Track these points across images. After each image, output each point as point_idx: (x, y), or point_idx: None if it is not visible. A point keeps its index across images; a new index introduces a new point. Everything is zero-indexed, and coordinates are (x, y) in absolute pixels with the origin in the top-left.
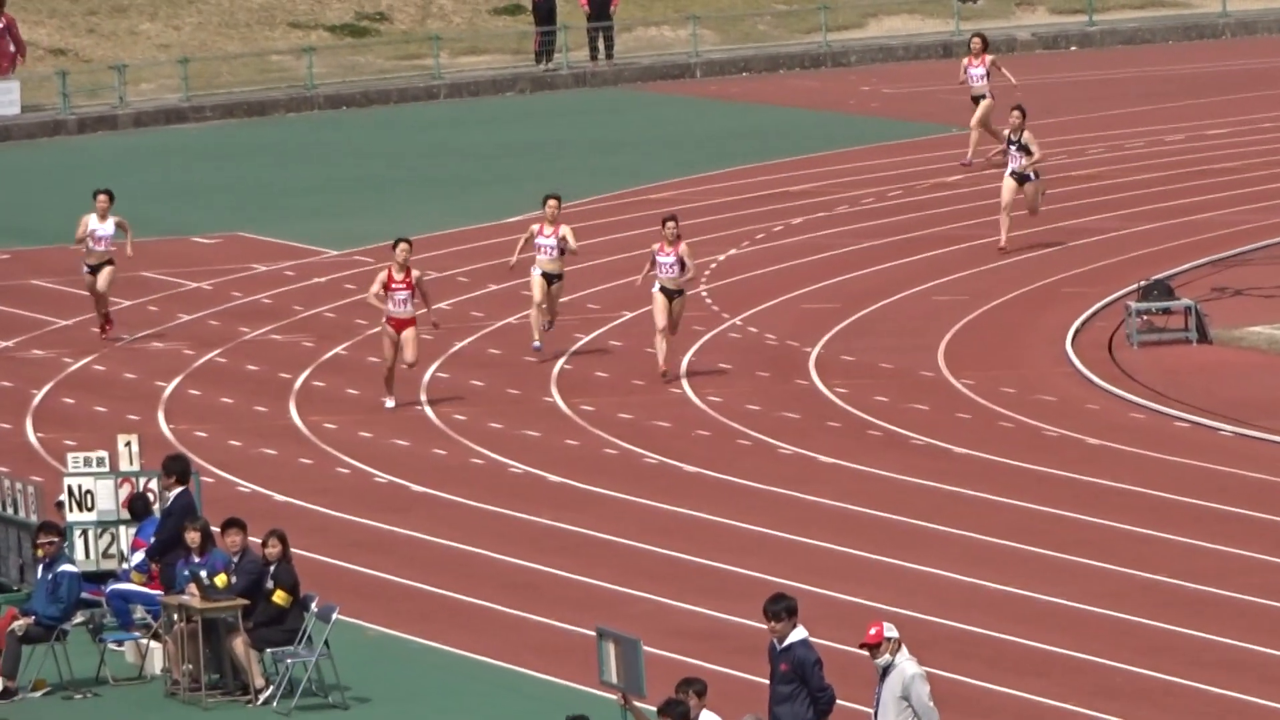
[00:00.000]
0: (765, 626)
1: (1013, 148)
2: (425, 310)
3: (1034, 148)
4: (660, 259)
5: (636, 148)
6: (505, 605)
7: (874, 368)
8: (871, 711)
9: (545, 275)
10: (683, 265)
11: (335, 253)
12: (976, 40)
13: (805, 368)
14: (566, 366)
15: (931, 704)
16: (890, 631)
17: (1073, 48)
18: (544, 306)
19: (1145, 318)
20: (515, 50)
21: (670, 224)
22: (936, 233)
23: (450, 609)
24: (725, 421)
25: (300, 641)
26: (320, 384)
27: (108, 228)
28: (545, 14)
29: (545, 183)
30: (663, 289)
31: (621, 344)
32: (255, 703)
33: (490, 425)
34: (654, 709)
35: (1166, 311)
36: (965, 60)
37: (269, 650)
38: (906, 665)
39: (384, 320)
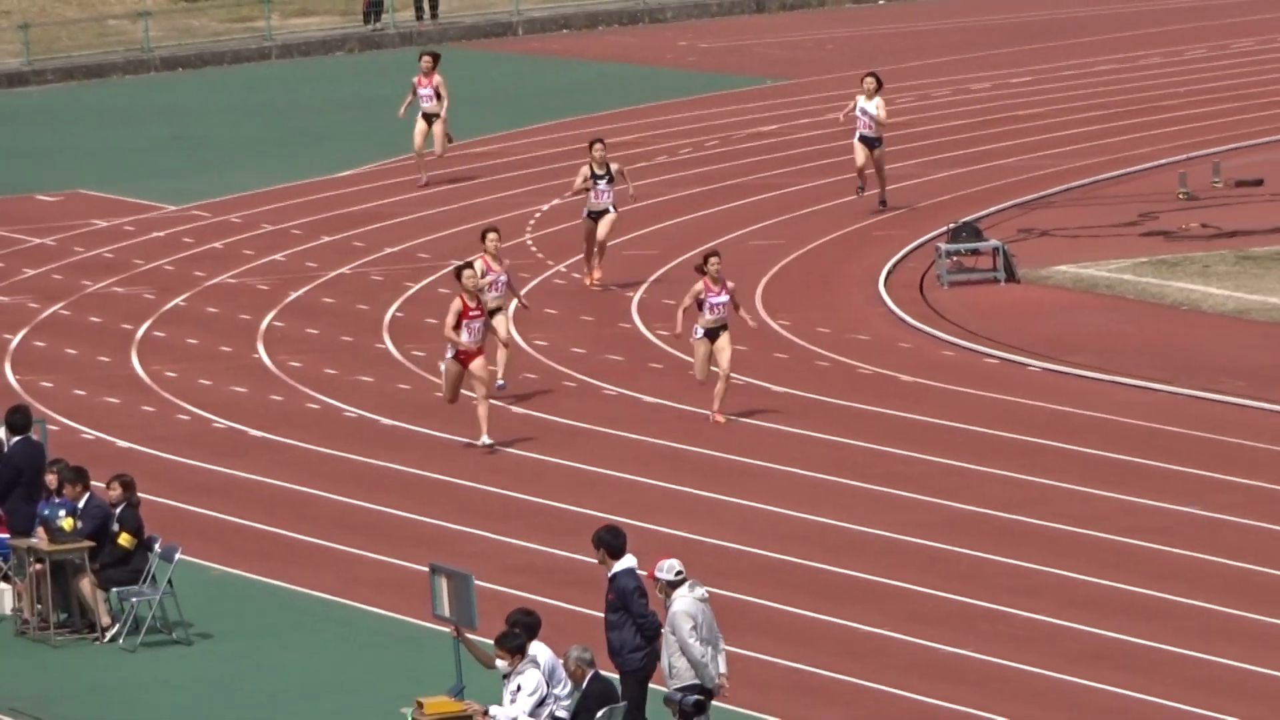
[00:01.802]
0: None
1: (602, 182)
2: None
3: (883, 114)
4: (711, 300)
5: (462, 103)
6: (341, 544)
7: (693, 310)
8: None
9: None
10: (733, 300)
11: (173, 208)
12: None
13: (628, 312)
14: (398, 314)
15: (692, 640)
16: (660, 574)
17: (881, 1)
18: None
19: (955, 259)
20: (344, 11)
21: (714, 260)
22: (751, 181)
23: (288, 547)
24: (551, 364)
25: (145, 581)
26: (160, 334)
27: None
28: None
29: (375, 138)
30: (708, 332)
31: (449, 291)
32: (102, 640)
33: (325, 371)
34: (489, 640)
35: (975, 252)
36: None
37: (115, 590)
38: (675, 603)
39: (451, 354)
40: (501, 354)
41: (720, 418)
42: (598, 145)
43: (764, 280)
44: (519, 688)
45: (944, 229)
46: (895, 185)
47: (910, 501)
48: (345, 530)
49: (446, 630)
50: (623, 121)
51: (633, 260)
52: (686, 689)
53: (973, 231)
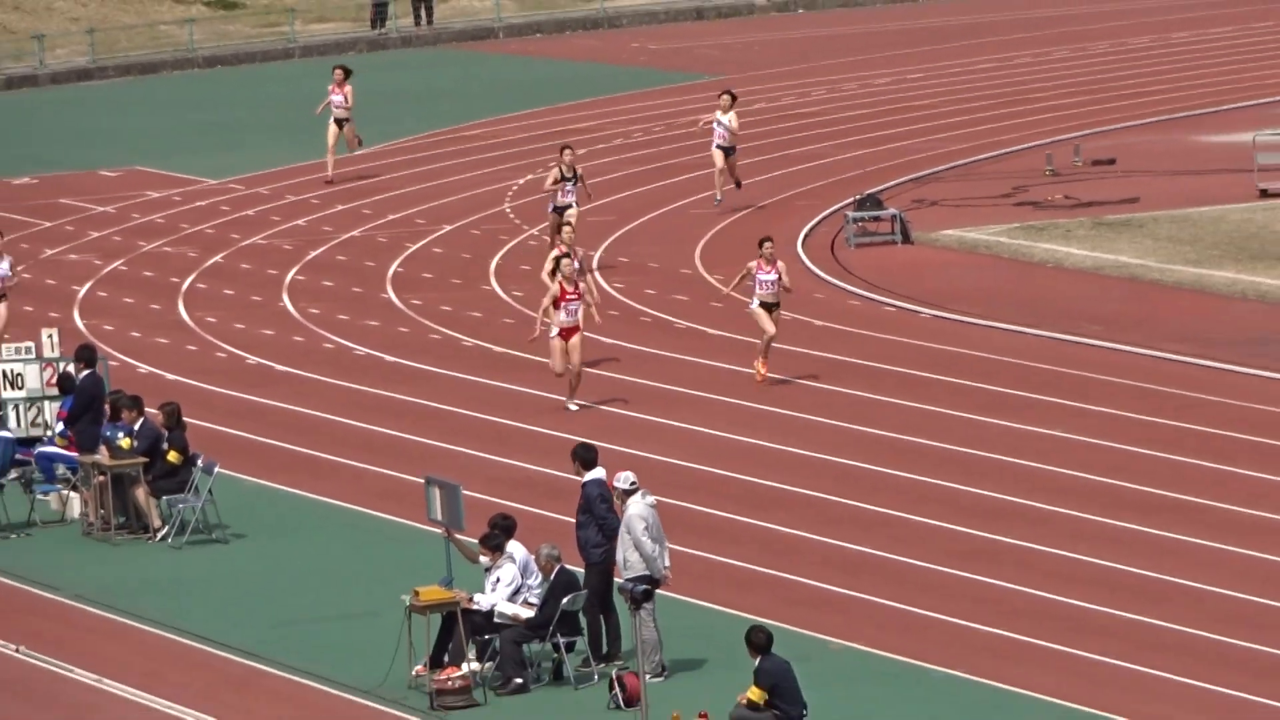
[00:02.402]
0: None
1: (569, 184)
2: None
3: (736, 125)
4: (761, 277)
5: (452, 95)
6: (352, 460)
7: (644, 267)
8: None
9: (763, 305)
10: (781, 280)
11: (213, 181)
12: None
13: (590, 267)
14: (399, 269)
15: (644, 538)
16: (618, 484)
17: (800, 10)
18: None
19: (860, 224)
20: (354, 18)
21: (768, 244)
22: (691, 160)
23: (308, 463)
24: (527, 311)
25: (189, 490)
26: (202, 286)
27: (4, 267)
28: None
29: (383, 124)
30: (763, 304)
31: (442, 251)
32: (154, 539)
33: (338, 317)
34: (474, 540)
35: (877, 219)
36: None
37: (165, 498)
38: (629, 507)
39: (555, 333)
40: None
41: (763, 373)
42: (567, 150)
43: (702, 242)
44: (498, 579)
45: (851, 200)
46: (811, 164)
47: (824, 426)
48: (355, 449)
49: (438, 531)
50: (586, 110)
51: (596, 226)
52: (637, 579)
53: (875, 202)
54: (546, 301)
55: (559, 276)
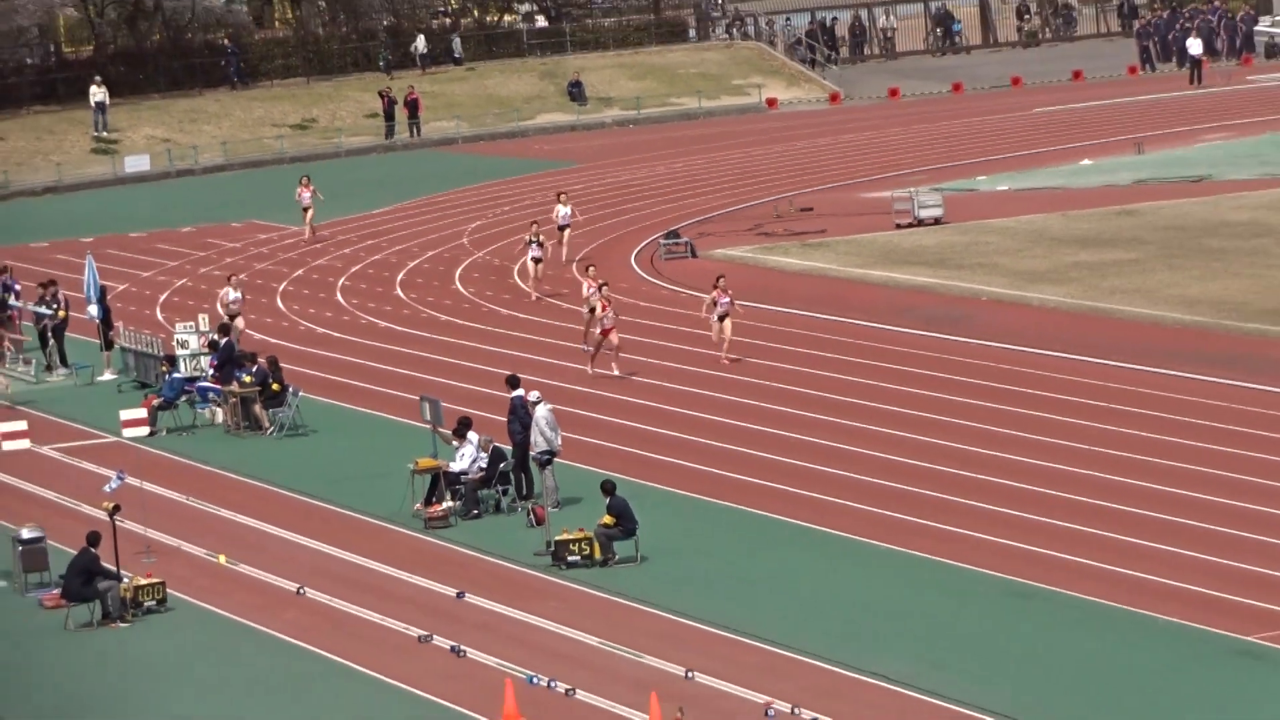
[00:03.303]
0: None
1: (534, 245)
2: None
3: (570, 210)
4: (721, 300)
5: (429, 178)
6: (379, 386)
7: (560, 276)
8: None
9: (591, 310)
10: (732, 303)
11: (296, 227)
12: (563, 195)
13: (514, 277)
14: (404, 278)
15: (546, 428)
16: (530, 397)
17: (631, 125)
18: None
19: (666, 246)
20: (375, 132)
21: (722, 279)
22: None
23: (352, 390)
24: (482, 304)
25: (285, 405)
26: (291, 289)
27: (237, 294)
28: (389, 115)
29: (393, 193)
30: (719, 317)
31: (428, 266)
32: (265, 434)
33: (369, 305)
34: (448, 431)
35: (676, 244)
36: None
37: (271, 410)
38: (537, 410)
39: (599, 330)
40: (720, 336)
41: (727, 359)
42: (535, 225)
43: (577, 258)
44: (463, 454)
45: (662, 233)
46: (637, 213)
47: (647, 366)
48: (382, 380)
49: (427, 427)
50: (509, 184)
51: (489, 265)
52: (543, 452)
53: (675, 234)
54: (585, 311)
55: (601, 294)
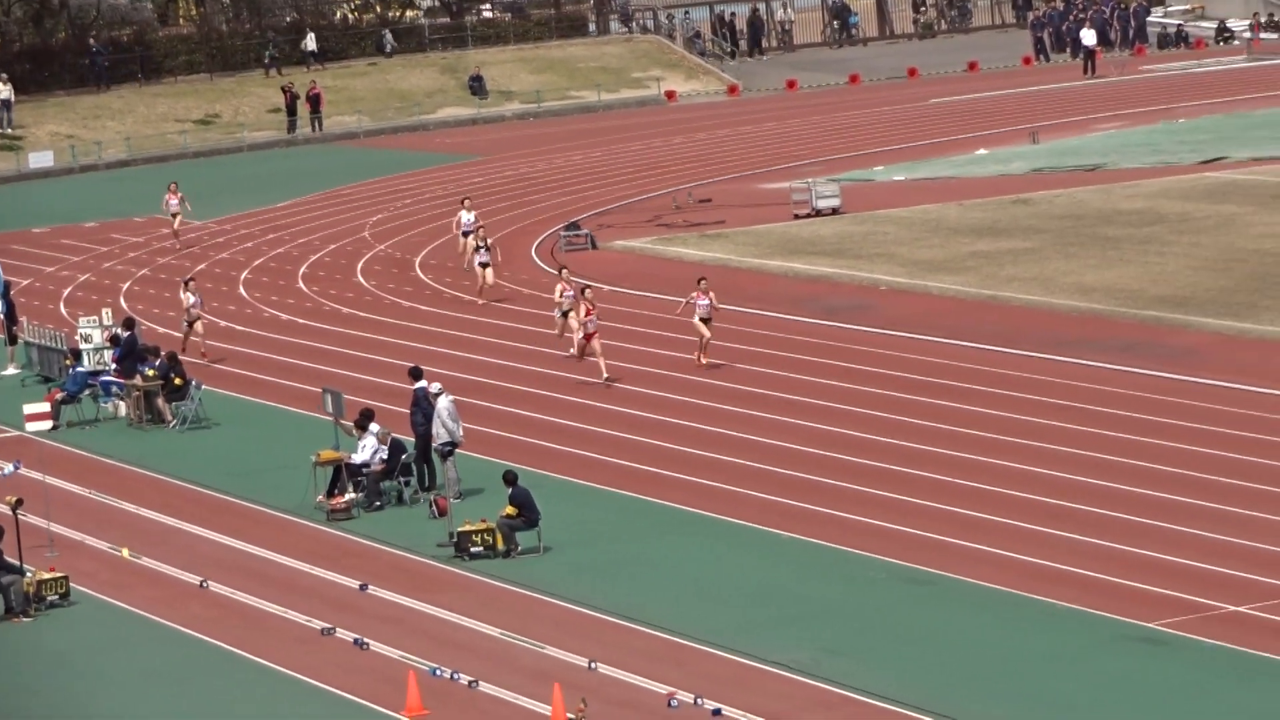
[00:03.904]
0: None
1: (483, 249)
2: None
3: (473, 217)
4: (700, 302)
5: (332, 172)
6: (279, 379)
7: (460, 269)
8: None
9: (564, 314)
10: (712, 304)
11: (198, 222)
12: (467, 201)
13: (415, 270)
14: (305, 270)
15: (448, 420)
16: (431, 389)
17: (532, 119)
18: (569, 334)
19: (567, 238)
20: (278, 127)
21: (703, 281)
22: (477, 202)
23: (254, 382)
24: (384, 295)
25: (187, 399)
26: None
27: (196, 298)
28: (291, 110)
29: (295, 187)
30: (701, 319)
31: (330, 259)
32: (169, 428)
33: (271, 298)
34: (350, 423)
35: (576, 235)
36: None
37: (173, 403)
38: (439, 401)
39: (582, 335)
40: (572, 333)
41: (703, 361)
42: (482, 229)
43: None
44: (364, 445)
45: (562, 225)
46: (538, 205)
47: (540, 355)
48: (284, 373)
49: (329, 419)
50: (410, 177)
51: (414, 242)
52: (445, 444)
53: (575, 225)
54: (558, 315)
55: (584, 296)
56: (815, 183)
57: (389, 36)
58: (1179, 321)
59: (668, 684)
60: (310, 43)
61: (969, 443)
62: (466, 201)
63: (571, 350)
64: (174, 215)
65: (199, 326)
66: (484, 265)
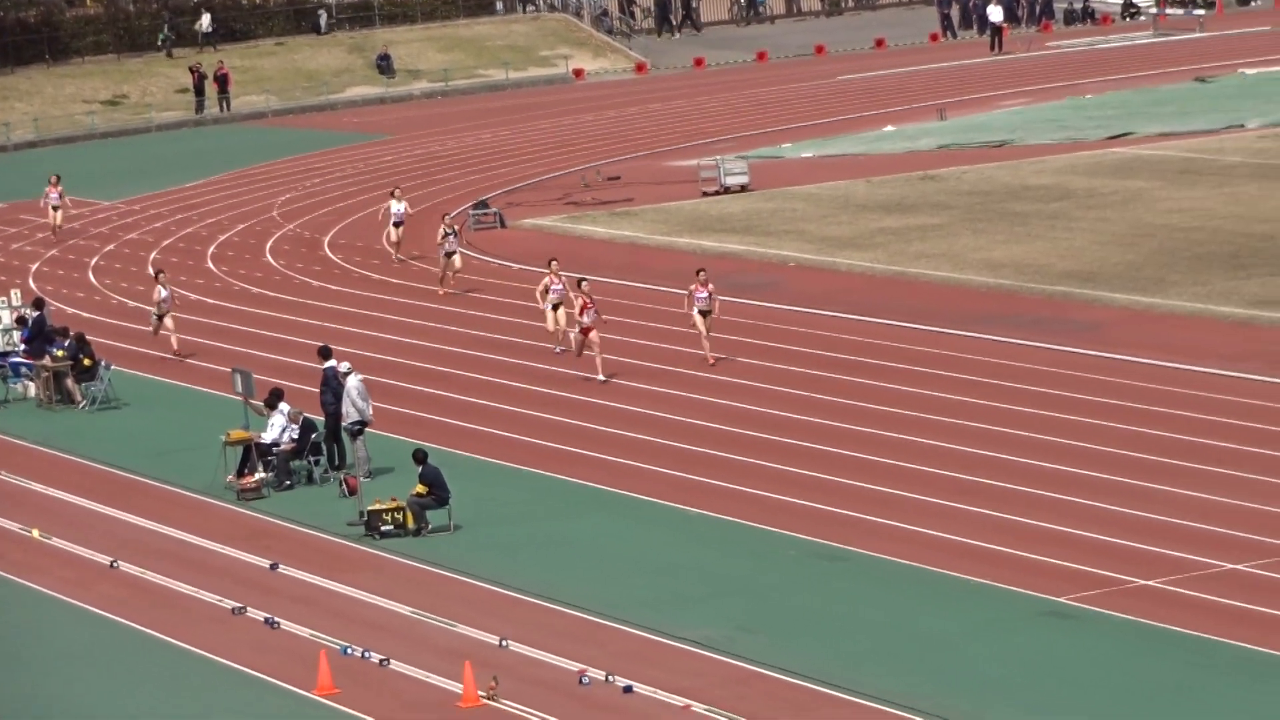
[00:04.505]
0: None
1: (451, 236)
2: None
3: (406, 208)
4: (698, 295)
5: (240, 152)
6: (194, 359)
7: (353, 245)
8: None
9: (554, 307)
10: (711, 297)
11: (106, 203)
12: (398, 190)
13: (324, 249)
14: (215, 251)
15: (358, 399)
16: (340, 368)
17: (439, 97)
18: (558, 328)
19: (476, 216)
20: (186, 108)
21: (702, 273)
22: (380, 184)
23: (165, 362)
24: (294, 275)
25: (97, 380)
26: (103, 263)
27: (167, 292)
28: (199, 90)
29: (204, 168)
30: (700, 311)
31: (239, 240)
32: (78, 408)
33: (179, 278)
34: (260, 403)
35: (486, 214)
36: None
37: (83, 384)
38: (348, 381)
39: (577, 330)
40: (555, 325)
41: (711, 358)
42: (447, 216)
43: (387, 229)
44: (273, 424)
45: (472, 203)
46: (448, 183)
47: (450, 334)
48: (195, 351)
49: (239, 399)
50: (320, 157)
51: (328, 217)
52: (355, 422)
53: (484, 204)
54: (543, 304)
55: (580, 289)
56: (724, 160)
57: (324, 15)
58: (1087, 296)
59: (579, 661)
60: (205, 23)
61: (879, 419)
62: (396, 191)
63: (564, 346)
64: (54, 209)
65: (169, 321)
66: (449, 254)
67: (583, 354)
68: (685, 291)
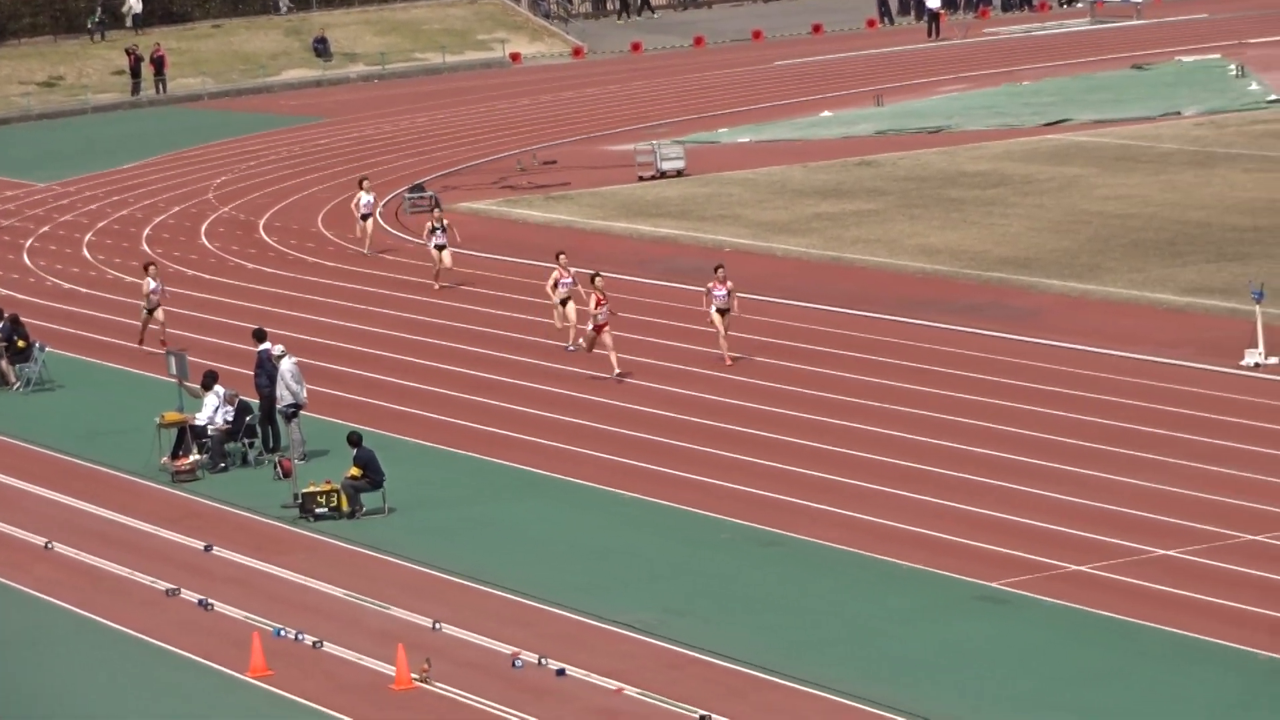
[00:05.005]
0: None
1: (439, 230)
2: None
3: (372, 198)
4: (716, 292)
5: (176, 134)
6: (122, 340)
7: (288, 228)
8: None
9: (563, 302)
10: (730, 294)
11: (40, 185)
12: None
13: (259, 232)
14: (151, 233)
15: (291, 382)
16: (274, 350)
17: (376, 80)
18: (568, 324)
19: (411, 200)
20: (122, 90)
21: (720, 269)
22: (314, 166)
23: (99, 344)
24: (228, 258)
25: (32, 360)
26: (38, 245)
27: (157, 283)
28: (135, 72)
29: (140, 150)
30: (719, 310)
31: (174, 221)
32: (12, 390)
33: (115, 260)
34: (195, 385)
35: (421, 197)
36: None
37: (17, 365)
38: (282, 364)
39: (591, 326)
40: (563, 322)
41: (729, 359)
42: (438, 209)
43: (322, 212)
44: (206, 404)
45: (407, 186)
46: (385, 166)
47: (380, 317)
48: (125, 334)
49: (174, 381)
50: (256, 139)
51: (262, 201)
52: (289, 405)
53: (420, 188)
54: (554, 299)
55: (594, 285)
56: (660, 145)
57: None
58: (1023, 283)
59: (512, 644)
60: (136, 5)
61: (815, 404)
62: (365, 182)
63: (579, 343)
64: None
65: (159, 314)
66: (440, 248)
67: (593, 350)
68: (707, 288)
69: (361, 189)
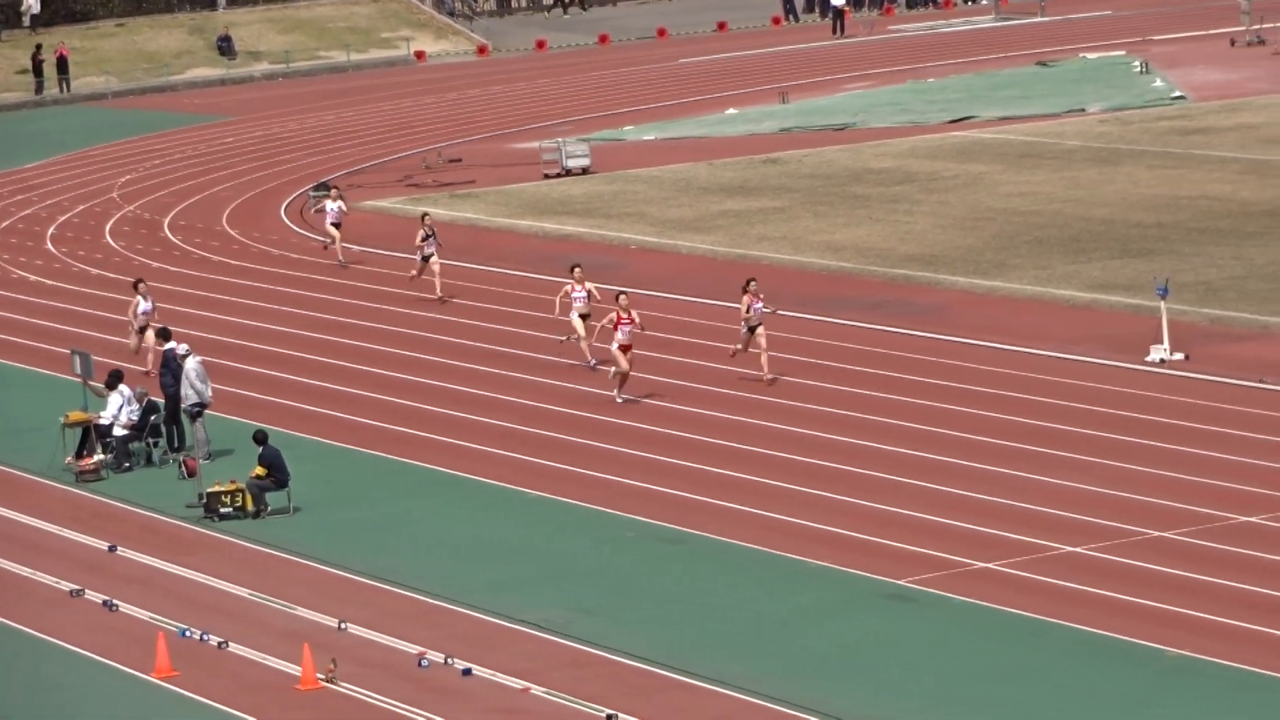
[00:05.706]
0: None
1: (431, 238)
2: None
3: (345, 206)
4: (755, 306)
5: (80, 133)
6: (25, 339)
7: (193, 227)
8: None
9: (581, 316)
10: (765, 309)
11: None
12: (335, 190)
13: (164, 231)
14: (54, 233)
15: (196, 381)
16: (179, 350)
17: (280, 79)
18: (584, 337)
19: (316, 198)
20: (25, 88)
21: (753, 282)
22: (221, 164)
23: (5, 345)
24: (132, 256)
25: None
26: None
27: (149, 304)
28: (38, 70)
29: (44, 149)
30: (750, 327)
31: (79, 220)
32: None
33: (19, 259)
34: (100, 384)
35: (327, 196)
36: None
37: None
38: (187, 363)
39: (616, 346)
40: (583, 339)
41: (767, 376)
42: (427, 215)
43: (227, 211)
44: (111, 403)
45: (313, 185)
46: (288, 165)
47: (292, 317)
48: (29, 334)
49: (79, 380)
50: (160, 138)
51: (164, 203)
52: (194, 404)
53: (325, 186)
54: (573, 318)
55: (618, 304)
56: (565, 142)
57: None
58: (928, 279)
59: (418, 644)
60: (34, 4)
61: (720, 401)
62: (334, 191)
63: (592, 360)
64: None
65: (149, 337)
66: (426, 258)
67: (610, 369)
68: (740, 305)
69: (329, 198)
